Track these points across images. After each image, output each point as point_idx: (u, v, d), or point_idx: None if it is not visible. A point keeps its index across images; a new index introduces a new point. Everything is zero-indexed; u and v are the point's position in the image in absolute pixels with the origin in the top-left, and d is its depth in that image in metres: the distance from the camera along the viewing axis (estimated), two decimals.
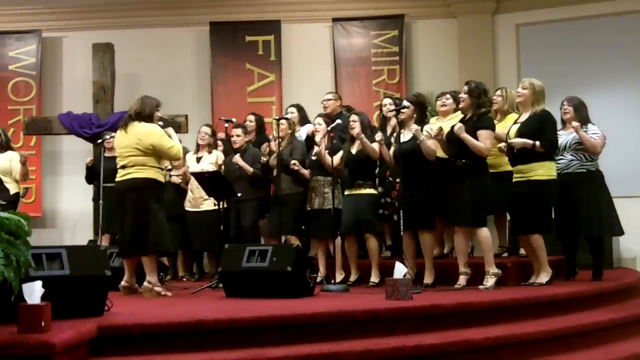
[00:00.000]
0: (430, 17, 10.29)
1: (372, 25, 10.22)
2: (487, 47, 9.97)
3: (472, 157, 6.15)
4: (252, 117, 8.28)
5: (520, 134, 6.32)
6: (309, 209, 7.16)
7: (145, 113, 6.26)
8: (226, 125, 7.80)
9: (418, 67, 10.21)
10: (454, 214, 6.26)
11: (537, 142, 6.19)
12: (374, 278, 6.77)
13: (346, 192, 6.88)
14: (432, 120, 7.21)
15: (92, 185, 8.86)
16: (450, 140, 6.32)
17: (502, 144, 6.47)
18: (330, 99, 7.95)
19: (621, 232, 6.97)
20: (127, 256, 6.29)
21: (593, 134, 6.71)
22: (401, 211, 6.31)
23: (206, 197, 7.63)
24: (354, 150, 6.84)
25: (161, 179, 6.29)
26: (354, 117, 6.92)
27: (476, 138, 6.12)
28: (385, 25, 10.18)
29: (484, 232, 6.18)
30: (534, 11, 9.78)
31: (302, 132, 7.78)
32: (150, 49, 10.24)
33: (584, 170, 6.71)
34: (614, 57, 9.33)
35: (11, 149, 8.14)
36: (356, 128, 6.77)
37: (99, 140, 8.38)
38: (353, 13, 10.31)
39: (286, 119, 7.55)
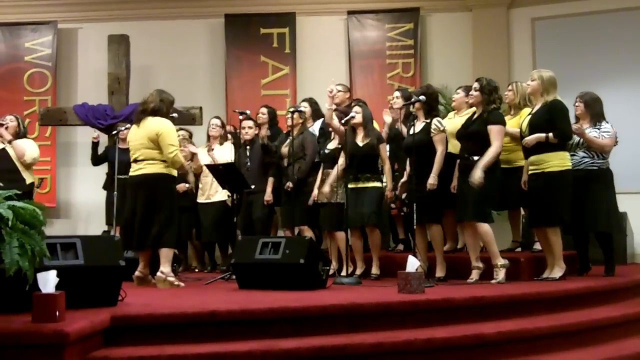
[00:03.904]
0: (445, 11, 10.23)
1: (387, 18, 10.18)
2: (502, 41, 9.91)
3: (483, 154, 6.13)
4: (264, 110, 8.25)
5: (531, 125, 6.28)
6: (319, 201, 7.13)
7: (163, 112, 6.29)
8: (240, 117, 7.81)
9: (433, 61, 10.16)
10: (460, 210, 6.26)
11: (550, 134, 6.15)
12: (375, 270, 6.79)
13: (351, 185, 6.73)
14: (450, 115, 7.21)
15: (105, 176, 8.89)
16: (462, 136, 6.31)
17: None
18: (340, 90, 7.72)
19: (621, 230, 6.93)
20: (140, 250, 6.31)
21: (604, 132, 6.67)
22: (414, 205, 6.30)
23: (218, 188, 7.69)
24: (359, 142, 6.80)
25: (172, 172, 6.30)
26: (357, 108, 6.90)
27: (487, 134, 6.10)
28: (400, 18, 10.14)
29: (484, 227, 6.14)
30: (550, 5, 9.70)
31: (315, 127, 7.73)
32: (165, 41, 10.25)
33: (595, 167, 6.67)
34: (630, 52, 9.25)
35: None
36: (357, 118, 6.77)
37: (114, 132, 8.42)
38: (368, 6, 10.28)
39: (300, 111, 7.54)
